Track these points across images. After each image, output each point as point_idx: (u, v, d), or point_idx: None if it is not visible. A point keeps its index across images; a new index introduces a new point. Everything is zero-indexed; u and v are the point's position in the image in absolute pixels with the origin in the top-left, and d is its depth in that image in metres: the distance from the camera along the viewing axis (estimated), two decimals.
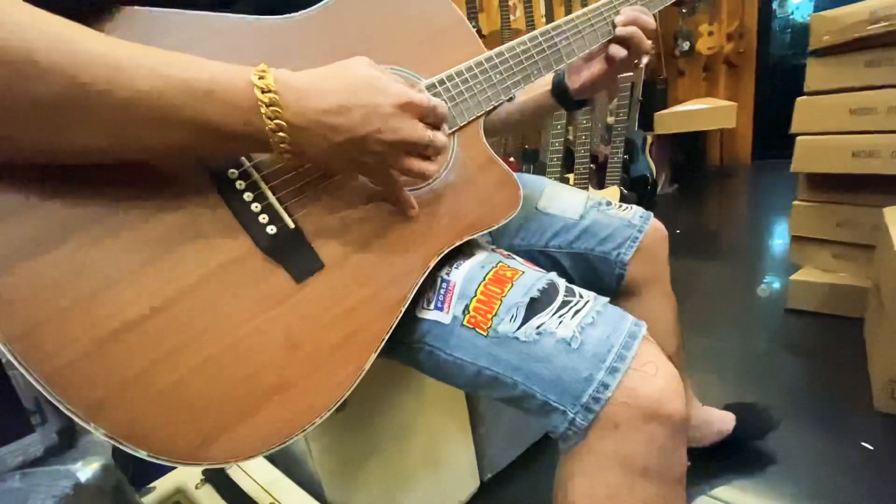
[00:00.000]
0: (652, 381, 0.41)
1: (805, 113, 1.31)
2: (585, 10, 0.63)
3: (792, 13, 3.04)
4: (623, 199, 2.04)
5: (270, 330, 0.40)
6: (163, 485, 0.70)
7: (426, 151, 0.44)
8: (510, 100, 0.57)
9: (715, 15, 3.05)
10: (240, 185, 0.41)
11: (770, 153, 3.16)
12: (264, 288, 0.41)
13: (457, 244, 0.51)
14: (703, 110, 2.74)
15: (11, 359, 0.32)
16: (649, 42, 0.64)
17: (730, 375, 1.20)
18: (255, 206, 0.42)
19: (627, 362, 0.42)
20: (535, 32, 0.59)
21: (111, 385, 0.34)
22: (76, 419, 0.33)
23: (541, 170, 2.06)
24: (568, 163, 2.09)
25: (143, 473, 0.81)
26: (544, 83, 0.71)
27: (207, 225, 0.39)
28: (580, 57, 0.64)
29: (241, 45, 0.44)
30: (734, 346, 1.33)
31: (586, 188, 2.00)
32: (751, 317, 1.48)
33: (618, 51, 0.63)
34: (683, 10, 2.99)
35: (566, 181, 2.02)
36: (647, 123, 2.78)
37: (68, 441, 0.44)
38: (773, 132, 3.04)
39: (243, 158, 0.42)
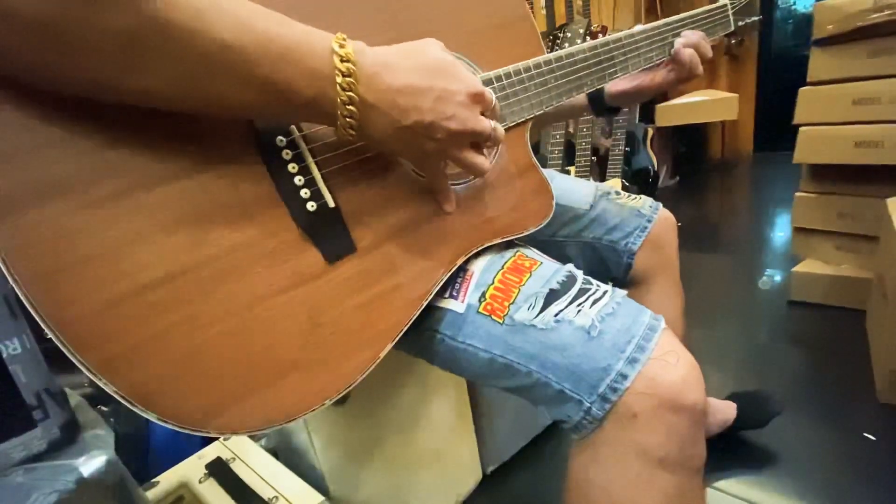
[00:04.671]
0: (673, 371, 0.41)
1: (808, 103, 1.30)
2: (647, 27, 0.63)
3: (794, 3, 3.02)
4: (624, 191, 2.03)
5: (294, 307, 0.40)
6: (166, 479, 0.70)
7: (485, 143, 0.44)
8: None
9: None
10: (286, 154, 0.40)
11: (772, 144, 3.15)
12: (294, 264, 0.40)
13: (485, 245, 0.51)
14: (704, 102, 2.73)
15: (26, 302, 0.30)
16: (701, 69, 0.65)
17: (731, 367, 1.20)
18: (299, 180, 0.40)
19: (648, 353, 0.41)
20: (595, 42, 0.58)
21: (127, 342, 0.33)
22: (87, 373, 0.32)
23: (541, 162, 2.04)
24: (569, 155, 2.08)
25: (147, 468, 0.81)
26: None
27: (246, 191, 0.38)
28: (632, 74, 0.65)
29: (300, 4, 0.42)
30: (736, 339, 1.33)
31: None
32: (753, 309, 1.48)
33: (670, 71, 0.65)
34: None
35: (567, 174, 2.02)
36: (648, 116, 2.77)
37: (71, 436, 0.44)
38: (775, 123, 3.03)
39: (293, 127, 0.41)
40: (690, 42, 0.64)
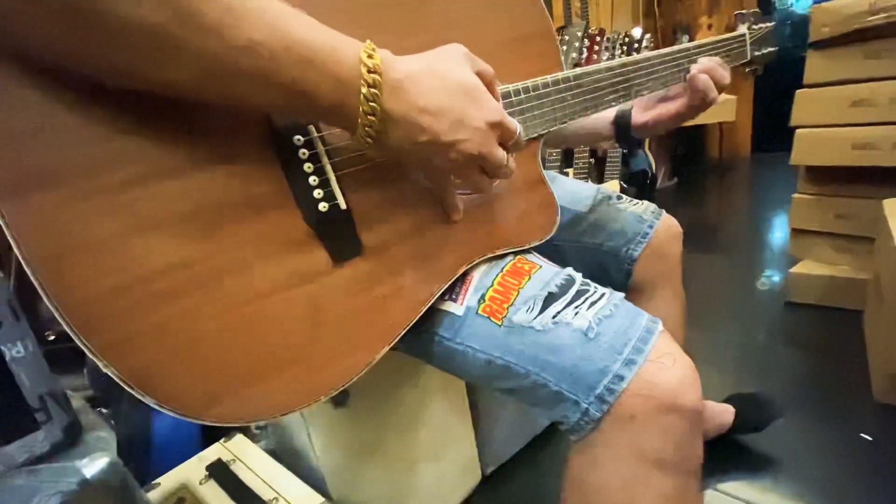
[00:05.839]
0: (669, 373, 0.41)
1: (805, 105, 1.31)
2: (663, 51, 0.64)
3: (791, 5, 3.03)
4: (622, 193, 2.04)
5: (297, 304, 0.40)
6: (167, 481, 0.70)
7: (496, 171, 0.44)
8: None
9: (714, 7, 3.04)
10: (303, 154, 0.40)
11: (770, 146, 3.15)
12: (302, 262, 0.41)
13: (488, 256, 0.51)
14: None
15: (35, 283, 0.31)
16: (717, 95, 0.63)
17: (730, 368, 1.21)
18: (313, 180, 0.41)
19: (644, 355, 0.41)
20: (613, 63, 0.59)
21: (132, 328, 0.34)
22: (90, 355, 0.32)
23: None
24: (567, 157, 2.09)
25: (148, 470, 0.82)
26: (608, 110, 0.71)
27: (258, 187, 0.39)
28: (648, 97, 0.65)
29: (329, 6, 0.42)
30: (734, 340, 1.34)
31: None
32: (751, 310, 1.48)
33: (686, 98, 0.64)
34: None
35: (565, 176, 2.02)
36: None
37: (73, 438, 0.44)
38: (772, 125, 3.03)
39: (311, 127, 0.41)
40: (705, 68, 0.63)
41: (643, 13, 2.97)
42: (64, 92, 0.31)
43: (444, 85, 0.39)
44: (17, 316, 0.41)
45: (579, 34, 2.00)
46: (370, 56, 0.35)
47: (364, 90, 0.35)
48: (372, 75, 0.35)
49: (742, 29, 0.75)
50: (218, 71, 0.32)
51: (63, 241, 0.31)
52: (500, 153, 0.43)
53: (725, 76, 0.64)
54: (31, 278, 0.31)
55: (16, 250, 0.30)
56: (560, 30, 2.17)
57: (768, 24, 0.76)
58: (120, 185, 0.33)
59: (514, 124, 0.43)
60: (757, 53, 0.76)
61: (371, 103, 0.35)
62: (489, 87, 0.43)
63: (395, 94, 0.36)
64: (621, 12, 2.87)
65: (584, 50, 2.03)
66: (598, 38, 2.04)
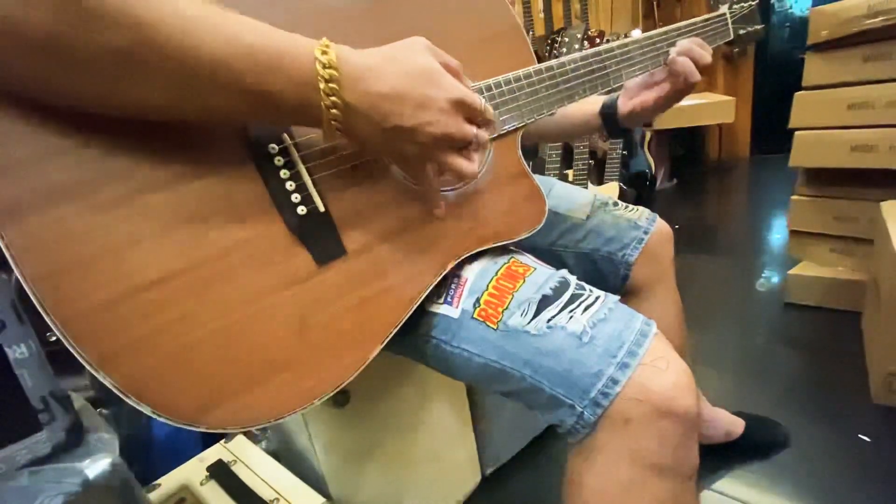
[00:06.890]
0: (663, 377, 0.41)
1: (803, 107, 1.31)
2: (641, 36, 0.63)
3: (791, 7, 3.04)
4: (622, 194, 2.04)
5: (286, 308, 0.41)
6: (168, 481, 0.70)
7: (468, 148, 0.44)
8: (551, 114, 0.57)
9: (713, 9, 3.04)
10: (278, 161, 0.42)
11: (769, 147, 3.16)
12: (286, 266, 0.41)
13: (476, 251, 0.51)
14: (701, 105, 2.74)
15: (33, 299, 0.32)
16: (698, 76, 0.63)
17: (729, 369, 1.21)
18: (290, 185, 0.42)
19: (638, 359, 0.41)
20: (587, 52, 0.59)
21: (125, 339, 0.35)
22: (87, 367, 0.33)
23: (540, 166, 2.06)
24: (567, 159, 2.09)
25: (149, 471, 0.82)
26: (594, 100, 0.70)
27: (239, 196, 0.40)
28: (633, 85, 0.65)
29: (292, 13, 0.43)
30: (733, 341, 1.34)
31: (585, 184, 2.00)
32: (750, 311, 1.48)
33: (668, 83, 0.64)
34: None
35: (565, 177, 2.03)
36: None
37: (76, 439, 0.44)
38: (771, 127, 3.03)
39: (285, 135, 0.42)
40: (683, 49, 0.63)
41: (643, 14, 2.97)
42: (49, 120, 0.33)
43: (403, 70, 0.39)
44: (20, 317, 0.41)
45: (579, 36, 2.01)
46: (324, 52, 0.36)
47: (322, 85, 0.36)
48: (328, 70, 0.36)
49: (723, 8, 0.74)
50: (182, 87, 0.33)
51: (57, 259, 0.33)
52: (468, 129, 0.43)
53: (705, 56, 0.63)
54: (30, 295, 0.32)
55: (15, 270, 0.32)
56: (560, 31, 2.17)
57: (751, 2, 0.75)
58: (108, 204, 0.35)
59: (479, 99, 0.43)
60: (742, 32, 0.75)
61: (331, 97, 0.37)
62: (455, 78, 0.43)
63: (354, 84, 0.37)
64: (621, 14, 2.88)
65: None
66: (597, 40, 2.05)
